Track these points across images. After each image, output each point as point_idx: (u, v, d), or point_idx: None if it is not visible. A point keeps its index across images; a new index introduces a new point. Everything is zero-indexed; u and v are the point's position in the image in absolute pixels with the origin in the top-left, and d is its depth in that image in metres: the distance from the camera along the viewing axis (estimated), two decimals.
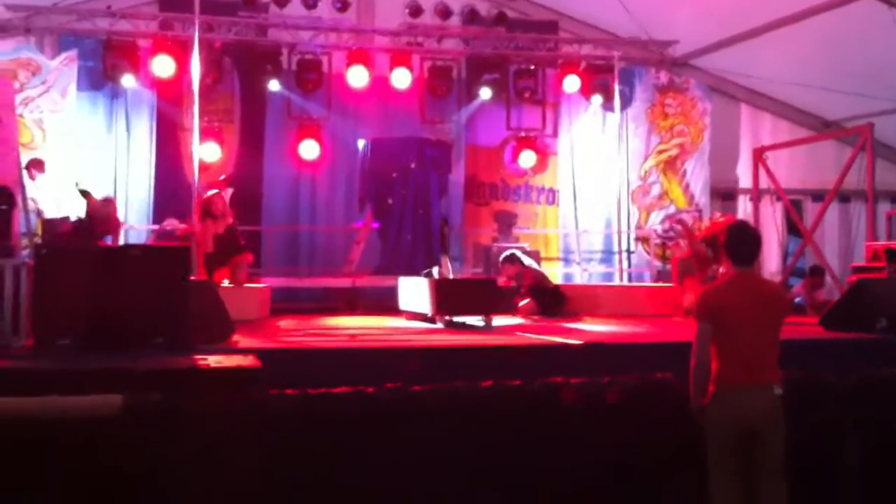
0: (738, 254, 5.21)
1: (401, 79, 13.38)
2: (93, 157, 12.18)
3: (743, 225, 5.91)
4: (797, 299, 11.37)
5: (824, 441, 6.34)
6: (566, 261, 13.67)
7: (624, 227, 13.81)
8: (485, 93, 13.80)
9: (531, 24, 14.31)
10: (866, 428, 6.43)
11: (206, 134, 11.86)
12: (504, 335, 8.18)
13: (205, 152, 11.87)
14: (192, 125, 10.98)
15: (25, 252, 7.54)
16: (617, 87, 13.67)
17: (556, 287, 10.80)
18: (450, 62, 13.99)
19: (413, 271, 10.43)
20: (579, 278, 13.66)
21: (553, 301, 10.34)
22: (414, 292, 9.60)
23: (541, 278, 10.64)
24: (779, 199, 13.63)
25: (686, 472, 5.53)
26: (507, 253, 10.88)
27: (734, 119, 14.81)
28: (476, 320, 8.87)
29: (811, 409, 6.16)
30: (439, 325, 8.87)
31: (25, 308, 6.34)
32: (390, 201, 12.87)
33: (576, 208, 14.24)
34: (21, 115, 11.15)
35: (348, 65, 13.21)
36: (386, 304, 10.70)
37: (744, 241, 5.32)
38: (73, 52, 12.21)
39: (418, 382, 6.00)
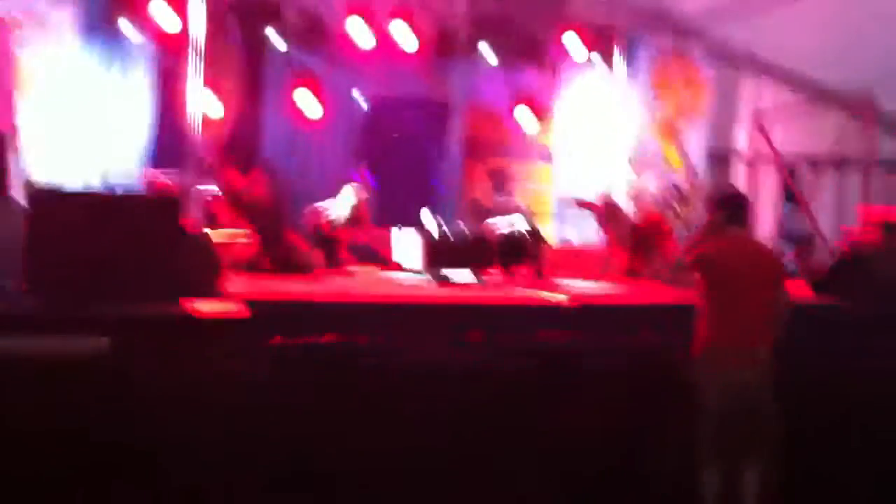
0: (734, 214, 5.27)
1: (403, 37, 13.28)
2: (90, 105, 12.10)
3: (734, 188, 6.03)
4: (790, 265, 11.40)
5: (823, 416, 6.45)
6: (561, 218, 13.61)
7: (620, 189, 13.80)
8: (486, 53, 13.71)
9: None
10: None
11: (205, 85, 11.78)
12: (494, 290, 8.22)
13: (204, 105, 11.83)
14: (191, 76, 10.95)
15: (20, 196, 7.54)
16: (618, 51, 13.59)
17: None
18: (452, 22, 13.87)
19: (408, 226, 10.45)
20: (576, 238, 13.67)
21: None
22: (405, 246, 9.64)
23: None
24: (775, 164, 13.60)
25: (677, 433, 5.60)
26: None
27: (733, 85, 14.70)
28: (468, 276, 8.92)
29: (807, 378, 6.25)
30: (431, 280, 8.91)
31: (20, 251, 6.36)
32: (388, 159, 12.86)
33: (572, 169, 14.22)
34: (17, 59, 11.08)
35: (349, 21, 13.09)
36: (380, 257, 10.73)
37: (737, 201, 5.39)
38: None
39: (407, 336, 6.08)
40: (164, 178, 10.80)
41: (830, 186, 14.32)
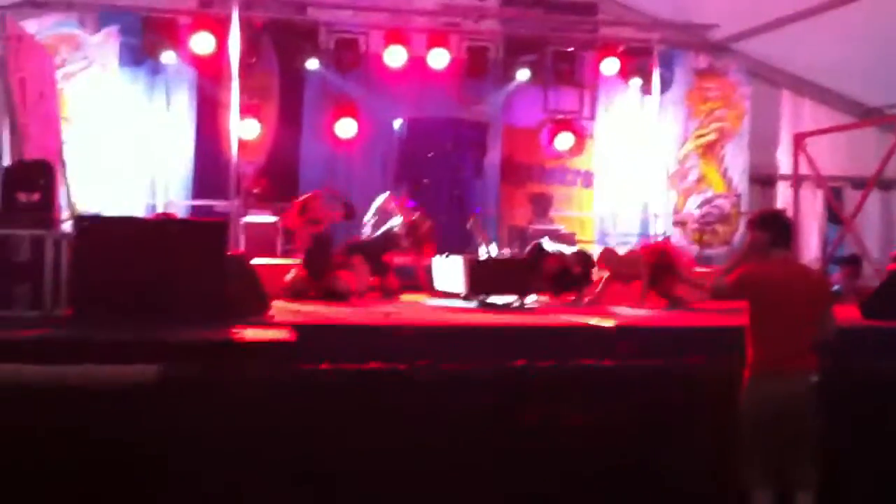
0: (778, 235, 5.17)
1: (438, 59, 13.35)
2: (133, 134, 12.27)
3: (778, 210, 5.93)
4: (836, 287, 11.26)
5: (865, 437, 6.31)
6: (602, 244, 13.56)
7: (661, 211, 13.73)
8: (522, 74, 13.74)
9: (569, 6, 14.21)
10: None
11: (245, 111, 11.94)
12: (537, 316, 8.19)
13: (244, 129, 11.96)
14: (232, 102, 11.09)
15: (66, 224, 7.64)
16: (655, 71, 13.60)
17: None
18: (487, 43, 13.92)
19: (447, 252, 10.45)
20: None
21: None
22: (448, 272, 9.63)
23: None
24: (819, 186, 13.48)
25: (718, 454, 5.51)
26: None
27: (774, 104, 14.60)
28: (510, 300, 8.90)
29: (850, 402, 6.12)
30: (473, 305, 8.89)
31: (65, 278, 6.45)
32: (426, 181, 12.88)
33: (612, 192, 14.17)
34: (62, 90, 11.26)
35: (385, 44, 13.20)
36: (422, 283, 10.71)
37: (781, 222, 5.31)
38: (113, 28, 12.26)
39: (451, 361, 6.04)
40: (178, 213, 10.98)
41: (875, 207, 14.17)
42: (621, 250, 10.70)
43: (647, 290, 9.48)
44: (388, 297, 9.78)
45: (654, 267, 9.60)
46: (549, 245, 10.33)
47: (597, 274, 9.83)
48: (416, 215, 10.71)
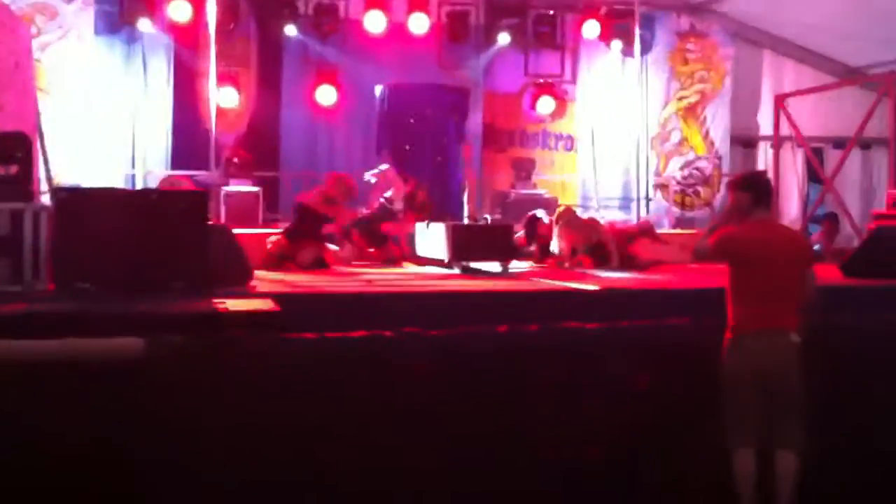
0: (760, 197, 5.19)
1: (418, 24, 13.26)
2: (110, 103, 12.16)
3: (758, 171, 5.95)
4: (815, 246, 11.35)
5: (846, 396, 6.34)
6: (584, 207, 13.59)
7: (642, 174, 13.75)
8: (503, 38, 13.68)
9: None
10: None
11: (223, 79, 11.84)
12: (520, 281, 8.20)
13: (222, 98, 11.86)
14: (210, 71, 10.99)
15: (45, 196, 7.58)
16: (637, 33, 13.55)
17: None
18: (468, 7, 13.84)
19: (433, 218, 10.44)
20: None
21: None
22: (430, 238, 9.62)
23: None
24: (800, 146, 13.53)
25: (703, 417, 5.54)
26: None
27: (756, 65, 14.63)
28: (492, 266, 8.90)
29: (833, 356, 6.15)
30: (455, 271, 8.90)
31: (45, 252, 6.39)
32: (407, 147, 12.83)
33: (594, 155, 14.17)
34: (38, 60, 11.12)
35: (365, 9, 13.10)
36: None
37: (763, 183, 5.33)
38: None
39: (435, 327, 6.03)
40: (183, 182, 10.87)
41: (856, 167, 14.25)
42: (581, 214, 10.72)
43: (615, 256, 9.52)
44: (390, 265, 9.79)
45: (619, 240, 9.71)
46: (536, 211, 10.39)
47: (556, 231, 9.75)
48: (413, 186, 10.73)
